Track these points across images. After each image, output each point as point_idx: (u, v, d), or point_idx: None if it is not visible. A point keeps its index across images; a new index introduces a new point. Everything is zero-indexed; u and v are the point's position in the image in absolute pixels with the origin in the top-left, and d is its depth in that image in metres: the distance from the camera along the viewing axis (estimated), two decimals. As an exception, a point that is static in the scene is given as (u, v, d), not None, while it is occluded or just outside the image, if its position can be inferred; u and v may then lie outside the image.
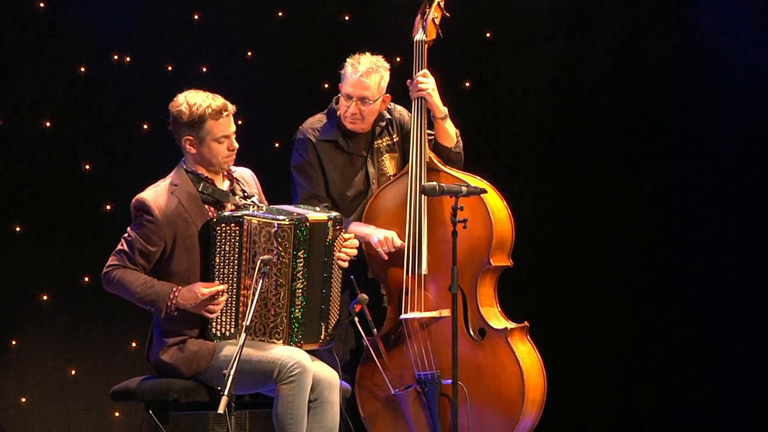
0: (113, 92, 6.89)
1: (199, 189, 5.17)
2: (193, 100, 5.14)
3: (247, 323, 4.87)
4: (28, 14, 6.78)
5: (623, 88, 7.47)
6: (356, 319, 5.51)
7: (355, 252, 5.36)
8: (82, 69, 6.87)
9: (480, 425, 5.68)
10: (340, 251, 5.26)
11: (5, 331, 6.71)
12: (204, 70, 7.08)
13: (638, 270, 7.37)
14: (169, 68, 7.02)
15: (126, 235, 5.14)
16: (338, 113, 5.92)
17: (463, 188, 5.48)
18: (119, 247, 5.14)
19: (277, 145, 6.94)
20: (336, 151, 5.92)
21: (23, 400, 6.72)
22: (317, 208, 5.29)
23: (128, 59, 6.94)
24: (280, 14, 7.31)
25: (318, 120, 5.98)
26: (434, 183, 5.51)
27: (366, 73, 5.80)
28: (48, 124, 6.80)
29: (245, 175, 5.40)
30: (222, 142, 5.16)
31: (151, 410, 5.13)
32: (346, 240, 5.31)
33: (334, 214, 5.24)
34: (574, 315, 7.44)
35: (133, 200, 5.16)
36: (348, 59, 5.87)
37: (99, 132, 6.88)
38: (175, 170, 5.25)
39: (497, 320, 5.77)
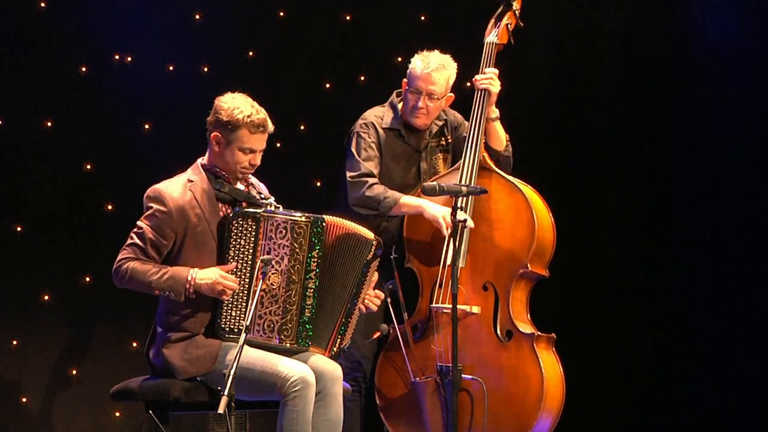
0: (113, 92, 6.88)
1: (216, 187, 5.18)
2: (237, 103, 5.16)
3: (247, 323, 4.86)
4: (28, 14, 6.78)
5: (627, 89, 7.47)
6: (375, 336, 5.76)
7: (377, 306, 5.40)
8: (83, 69, 6.87)
9: (495, 425, 5.69)
10: (371, 286, 5.32)
11: (6, 331, 6.71)
12: (205, 70, 7.08)
13: (660, 285, 7.37)
14: (170, 68, 7.02)
15: (136, 228, 5.13)
16: (399, 108, 6.00)
17: (463, 188, 5.51)
18: (130, 240, 5.12)
19: (278, 145, 6.93)
20: (398, 140, 6.02)
21: (23, 400, 6.71)
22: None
23: (129, 59, 6.94)
24: (281, 14, 7.31)
25: (381, 111, 6.06)
26: (434, 183, 5.53)
27: (436, 68, 5.91)
28: (48, 124, 6.80)
29: (260, 185, 5.42)
30: (246, 153, 5.18)
31: (151, 410, 5.13)
32: (376, 296, 5.39)
33: (379, 240, 5.29)
34: (599, 330, 7.44)
35: (148, 191, 5.18)
36: (417, 55, 5.98)
37: (99, 132, 6.87)
38: (193, 167, 5.26)
39: (525, 325, 5.79)
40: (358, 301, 5.27)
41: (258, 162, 5.23)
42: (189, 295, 5.05)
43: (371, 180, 5.88)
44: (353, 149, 5.95)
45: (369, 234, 5.26)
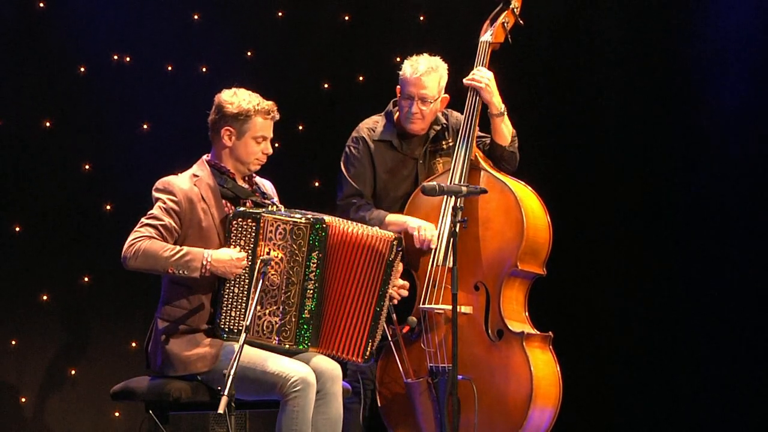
0: (113, 92, 6.89)
1: (220, 183, 5.21)
2: (241, 94, 5.25)
3: (247, 323, 4.87)
4: (28, 14, 6.78)
5: (629, 85, 7.48)
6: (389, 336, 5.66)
7: (405, 294, 5.45)
8: (82, 69, 6.88)
9: (487, 425, 5.69)
10: (395, 281, 5.33)
11: (5, 331, 6.71)
12: (204, 70, 7.08)
13: (661, 288, 7.38)
14: (169, 68, 7.03)
15: (147, 216, 5.13)
16: (395, 116, 5.98)
17: (463, 188, 5.49)
18: (141, 224, 5.11)
19: (277, 145, 6.94)
20: (390, 151, 5.97)
21: (23, 400, 6.72)
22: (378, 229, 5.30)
23: (128, 59, 6.95)
24: (280, 14, 7.32)
25: (375, 121, 6.04)
26: (434, 183, 5.52)
27: (426, 72, 5.85)
28: (48, 124, 6.81)
29: (266, 184, 5.44)
30: (259, 142, 5.25)
31: (151, 410, 5.14)
32: (402, 286, 5.42)
33: (398, 235, 5.29)
34: (600, 328, 7.44)
35: (156, 183, 5.21)
36: (406, 60, 5.93)
37: (99, 132, 6.88)
38: (198, 163, 5.30)
39: (518, 324, 5.78)
40: (384, 303, 5.26)
41: (270, 151, 5.29)
42: (204, 273, 5.05)
43: (358, 201, 5.88)
44: (342, 165, 5.96)
45: (386, 234, 5.25)
